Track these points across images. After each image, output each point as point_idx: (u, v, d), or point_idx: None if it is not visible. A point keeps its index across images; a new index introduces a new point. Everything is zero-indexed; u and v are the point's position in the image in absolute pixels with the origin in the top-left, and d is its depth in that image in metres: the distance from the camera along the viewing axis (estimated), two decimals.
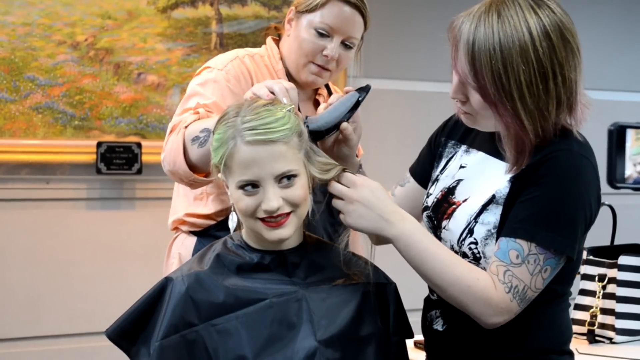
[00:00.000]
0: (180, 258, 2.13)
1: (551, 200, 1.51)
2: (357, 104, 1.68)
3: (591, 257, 2.57)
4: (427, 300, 1.72)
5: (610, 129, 1.58)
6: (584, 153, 1.55)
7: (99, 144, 3.34)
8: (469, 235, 1.58)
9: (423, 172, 1.80)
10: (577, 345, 2.39)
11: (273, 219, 1.52)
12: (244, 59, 2.11)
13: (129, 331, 1.56)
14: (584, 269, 2.57)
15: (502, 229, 1.54)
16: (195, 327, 1.51)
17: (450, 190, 1.66)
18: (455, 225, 1.61)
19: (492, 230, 1.56)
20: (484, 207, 1.58)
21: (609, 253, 2.58)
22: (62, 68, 3.32)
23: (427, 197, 1.72)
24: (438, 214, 1.66)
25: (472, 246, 1.58)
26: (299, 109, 1.74)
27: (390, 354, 1.61)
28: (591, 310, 2.53)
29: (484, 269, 1.54)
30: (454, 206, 1.63)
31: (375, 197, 1.54)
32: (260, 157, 1.49)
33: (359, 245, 2.14)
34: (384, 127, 3.84)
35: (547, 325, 1.60)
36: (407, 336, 1.67)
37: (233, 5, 3.58)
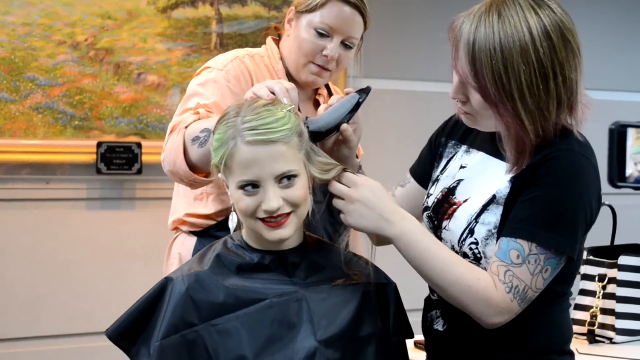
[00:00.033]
0: (180, 258, 2.13)
1: (552, 200, 1.51)
2: (358, 105, 1.68)
3: (591, 257, 2.57)
4: (427, 300, 1.72)
5: (611, 128, 1.58)
6: (585, 153, 1.55)
7: (99, 144, 3.34)
8: (469, 235, 1.58)
9: (423, 172, 1.80)
10: (577, 345, 2.39)
11: (273, 219, 1.52)
12: (244, 59, 2.11)
13: (129, 331, 1.56)
14: (584, 269, 2.57)
15: (503, 229, 1.54)
16: (195, 327, 1.51)
17: (450, 191, 1.66)
18: (455, 225, 1.61)
19: (493, 231, 1.56)
20: (484, 207, 1.58)
21: (609, 253, 2.58)
22: (62, 68, 3.32)
23: (428, 197, 1.72)
24: (438, 214, 1.66)
25: (473, 246, 1.58)
26: (299, 109, 1.74)
27: (390, 354, 1.61)
28: (591, 310, 2.53)
29: (485, 269, 1.54)
30: (455, 206, 1.63)
31: (376, 197, 1.54)
32: (261, 157, 1.49)
33: (360, 245, 2.14)
34: (384, 127, 3.84)
35: (547, 326, 1.60)
36: (407, 336, 1.67)
37: (233, 5, 3.58)
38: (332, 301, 1.57)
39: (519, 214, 1.52)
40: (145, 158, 3.39)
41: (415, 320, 1.71)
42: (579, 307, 2.56)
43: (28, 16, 3.27)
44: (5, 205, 3.29)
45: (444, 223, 1.64)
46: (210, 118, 1.88)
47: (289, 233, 1.53)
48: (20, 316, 3.32)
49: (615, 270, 2.51)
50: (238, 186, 1.52)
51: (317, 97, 2.23)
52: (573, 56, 1.53)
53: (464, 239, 1.59)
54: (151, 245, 3.38)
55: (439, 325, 1.67)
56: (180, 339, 1.50)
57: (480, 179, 1.63)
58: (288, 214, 1.52)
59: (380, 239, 1.63)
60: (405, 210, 1.57)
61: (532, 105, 1.50)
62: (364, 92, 1.68)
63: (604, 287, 2.52)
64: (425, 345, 1.74)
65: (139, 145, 3.40)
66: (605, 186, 1.58)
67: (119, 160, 3.37)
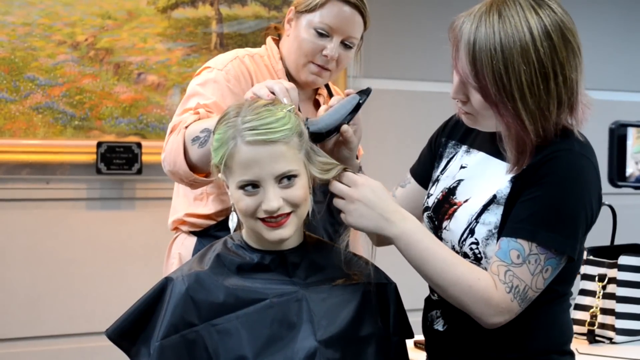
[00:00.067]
0: (180, 258, 2.13)
1: (552, 200, 1.50)
2: (358, 106, 1.67)
3: (591, 257, 2.57)
4: (427, 300, 1.72)
5: (611, 128, 1.58)
6: (585, 153, 1.55)
7: (99, 144, 3.34)
8: (470, 235, 1.58)
9: (424, 172, 1.80)
10: (577, 345, 2.38)
11: (273, 219, 1.52)
12: (243, 59, 2.11)
13: (129, 331, 1.55)
14: (584, 269, 2.57)
15: (503, 229, 1.54)
16: (195, 327, 1.51)
17: (451, 191, 1.66)
18: (456, 225, 1.61)
19: (493, 231, 1.56)
20: (484, 207, 1.58)
21: (609, 253, 2.58)
22: (62, 68, 3.32)
23: (428, 197, 1.72)
24: (439, 214, 1.66)
25: (473, 246, 1.58)
26: (299, 109, 1.74)
27: (390, 354, 1.61)
28: (591, 310, 2.53)
29: (485, 269, 1.54)
30: (455, 206, 1.63)
31: (377, 197, 1.54)
32: (261, 157, 1.49)
33: (360, 245, 2.14)
34: (384, 127, 3.84)
35: (548, 326, 1.60)
36: (407, 336, 1.67)
37: (233, 5, 3.58)
38: (332, 301, 1.57)
39: (520, 214, 1.52)
40: (145, 158, 3.39)
41: (415, 320, 1.71)
42: (579, 307, 2.56)
43: (28, 16, 3.27)
44: (5, 205, 3.29)
45: (445, 223, 1.64)
46: (211, 118, 1.88)
47: (289, 233, 1.53)
48: (20, 316, 3.32)
49: (615, 270, 2.51)
50: (238, 186, 1.52)
51: (317, 97, 2.23)
52: (574, 56, 1.53)
53: (465, 239, 1.59)
54: (151, 245, 3.38)
55: (439, 326, 1.66)
56: (180, 339, 1.50)
57: (481, 179, 1.63)
58: (288, 214, 1.52)
59: (380, 240, 1.63)
60: (405, 210, 1.57)
61: (533, 105, 1.50)
62: (365, 93, 1.68)
63: (604, 287, 2.52)
64: (426, 346, 1.74)
65: (139, 145, 3.40)
66: (605, 186, 1.58)
67: (119, 160, 3.37)
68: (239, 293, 1.53)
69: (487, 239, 1.56)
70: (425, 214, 1.70)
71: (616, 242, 2.67)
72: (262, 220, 1.52)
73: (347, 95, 1.71)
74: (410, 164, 1.86)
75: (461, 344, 1.63)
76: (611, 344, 2.49)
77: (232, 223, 1.58)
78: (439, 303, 1.65)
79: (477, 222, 1.58)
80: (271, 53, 2.16)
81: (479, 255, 1.57)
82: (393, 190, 1.84)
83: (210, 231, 2.11)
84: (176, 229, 2.19)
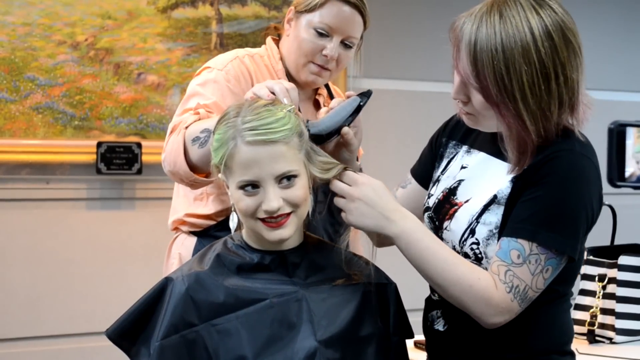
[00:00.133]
0: (180, 258, 2.13)
1: (553, 200, 1.50)
2: (359, 108, 1.67)
3: (591, 257, 2.57)
4: (428, 300, 1.72)
5: (610, 128, 1.58)
6: (586, 153, 1.55)
7: (99, 144, 3.34)
8: (470, 235, 1.58)
9: (424, 173, 1.80)
10: (577, 345, 2.38)
11: (273, 219, 1.52)
12: (243, 59, 2.11)
13: (129, 331, 1.55)
14: (584, 269, 2.57)
15: (504, 229, 1.54)
16: (195, 327, 1.51)
17: (451, 191, 1.66)
18: (456, 225, 1.61)
19: (494, 231, 1.56)
20: (485, 208, 1.58)
21: (609, 253, 2.58)
22: (62, 68, 3.32)
23: (429, 197, 1.72)
24: (439, 214, 1.66)
25: (474, 246, 1.58)
26: (299, 109, 1.74)
27: (390, 354, 1.61)
28: (591, 310, 2.53)
29: (486, 269, 1.54)
30: (456, 207, 1.63)
31: (377, 195, 1.54)
32: (261, 157, 1.49)
33: (360, 245, 2.14)
34: (384, 127, 3.84)
35: (548, 326, 1.60)
36: (407, 336, 1.67)
37: (233, 5, 3.58)
38: (332, 301, 1.57)
39: (520, 214, 1.52)
40: (145, 158, 3.39)
41: (415, 320, 1.71)
42: (579, 307, 2.56)
43: (28, 16, 3.27)
44: (5, 205, 3.29)
45: (445, 223, 1.63)
46: (211, 118, 1.88)
47: (289, 233, 1.53)
48: (20, 316, 3.32)
49: (615, 270, 2.51)
50: (238, 186, 1.52)
51: (317, 97, 2.23)
52: (574, 56, 1.53)
53: (465, 240, 1.59)
54: (151, 245, 3.38)
55: (439, 326, 1.66)
56: (180, 339, 1.50)
57: (481, 179, 1.62)
58: (288, 214, 1.52)
59: (381, 240, 1.63)
60: (406, 209, 1.57)
61: (534, 105, 1.50)
62: (365, 95, 1.68)
63: (604, 287, 2.52)
64: (426, 346, 1.74)
65: (139, 145, 3.40)
66: (605, 186, 1.58)
67: (119, 160, 3.37)
68: (239, 293, 1.53)
69: (488, 239, 1.56)
70: (426, 214, 1.70)
71: (616, 242, 2.67)
72: (262, 220, 1.52)
73: (348, 97, 1.71)
74: (410, 164, 1.86)
75: (462, 344, 1.62)
76: (611, 344, 2.49)
77: (233, 223, 1.58)
78: (439, 303, 1.65)
79: (477, 222, 1.58)
80: (271, 53, 2.16)
81: (479, 256, 1.57)
82: (394, 190, 1.84)
83: (210, 231, 2.11)
84: (176, 229, 2.19)
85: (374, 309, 1.60)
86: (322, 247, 1.65)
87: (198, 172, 1.88)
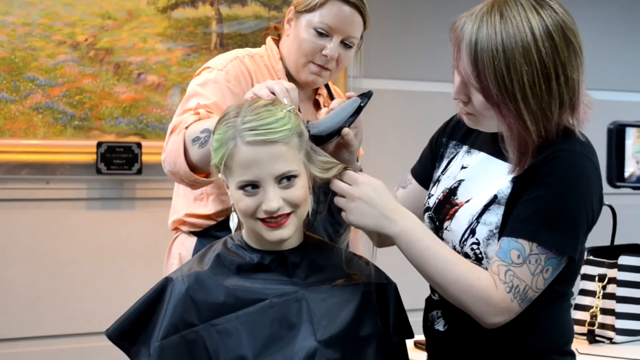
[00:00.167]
0: (180, 258, 2.13)
1: (553, 200, 1.50)
2: (359, 109, 1.67)
3: (591, 257, 2.57)
4: (428, 300, 1.72)
5: (610, 128, 1.58)
6: (587, 153, 1.55)
7: (99, 144, 3.34)
8: (471, 235, 1.58)
9: (424, 173, 1.79)
10: (577, 345, 2.38)
11: (273, 220, 1.51)
12: (243, 59, 2.11)
13: (129, 331, 1.55)
14: (584, 269, 2.57)
15: (504, 229, 1.54)
16: (195, 327, 1.51)
17: (452, 191, 1.66)
18: (457, 225, 1.61)
19: (494, 231, 1.56)
20: (485, 208, 1.58)
21: (609, 253, 2.58)
22: (62, 68, 3.32)
23: (429, 197, 1.72)
24: (440, 214, 1.66)
25: (474, 247, 1.58)
26: (299, 110, 1.74)
27: (390, 354, 1.61)
28: (591, 310, 2.53)
29: (486, 269, 1.54)
30: (456, 207, 1.63)
31: (377, 195, 1.54)
32: (261, 157, 1.49)
33: (360, 245, 2.14)
34: (384, 127, 3.84)
35: (548, 326, 1.60)
36: (407, 336, 1.67)
37: (233, 5, 3.58)
38: (332, 301, 1.56)
39: (521, 214, 1.52)
40: (145, 158, 3.40)
41: (415, 320, 1.71)
42: (579, 307, 2.56)
43: (28, 16, 3.27)
44: (5, 205, 3.29)
45: (446, 224, 1.63)
46: (211, 118, 1.88)
47: (289, 233, 1.53)
48: (20, 316, 3.32)
49: (615, 270, 2.51)
50: (238, 186, 1.52)
51: (317, 97, 2.23)
52: (575, 56, 1.53)
53: (466, 240, 1.59)
54: (151, 245, 3.38)
55: (440, 326, 1.66)
56: (180, 339, 1.50)
57: (482, 179, 1.62)
58: (288, 215, 1.52)
59: (381, 240, 1.63)
60: (406, 209, 1.57)
61: (535, 105, 1.50)
62: (366, 96, 1.68)
63: (604, 287, 2.52)
64: (426, 346, 1.74)
65: (139, 145, 3.40)
66: (605, 186, 1.58)
67: (119, 160, 3.37)
68: (239, 293, 1.53)
69: (488, 239, 1.56)
70: (426, 214, 1.70)
71: (616, 242, 2.67)
72: (262, 220, 1.52)
73: (348, 98, 1.71)
74: (411, 164, 1.86)
75: (462, 344, 1.62)
76: (611, 344, 2.49)
77: (233, 223, 1.58)
78: (439, 303, 1.65)
79: (478, 222, 1.58)
80: (271, 53, 2.16)
81: (480, 256, 1.57)
82: (394, 191, 1.84)
83: (210, 231, 2.11)
84: (176, 229, 2.19)
85: (374, 309, 1.60)
86: (322, 247, 1.64)
87: (198, 172, 1.88)
